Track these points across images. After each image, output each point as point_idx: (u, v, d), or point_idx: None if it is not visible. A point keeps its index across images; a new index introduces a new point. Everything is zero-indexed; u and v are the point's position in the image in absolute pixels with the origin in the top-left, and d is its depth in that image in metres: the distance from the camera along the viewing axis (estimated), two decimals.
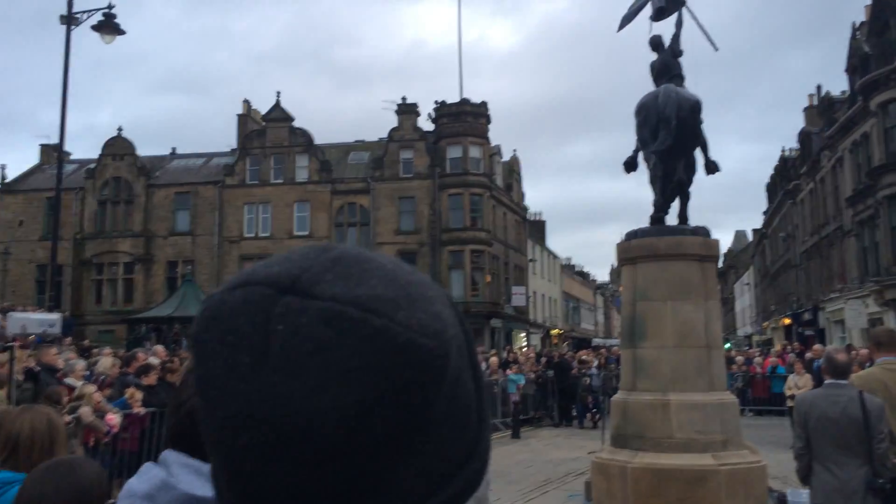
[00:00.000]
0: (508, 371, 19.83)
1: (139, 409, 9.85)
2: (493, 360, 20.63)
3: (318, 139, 44.81)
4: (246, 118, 45.24)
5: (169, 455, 0.85)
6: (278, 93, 46.19)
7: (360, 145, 46.41)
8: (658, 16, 10.60)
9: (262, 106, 45.46)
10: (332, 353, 0.57)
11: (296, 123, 44.28)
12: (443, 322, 0.62)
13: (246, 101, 46.13)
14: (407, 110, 43.08)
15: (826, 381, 5.56)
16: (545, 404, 21.17)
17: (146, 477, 0.88)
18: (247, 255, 40.85)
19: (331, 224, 42.69)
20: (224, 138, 76.74)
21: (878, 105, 27.62)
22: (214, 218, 43.32)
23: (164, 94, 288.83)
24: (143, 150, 46.11)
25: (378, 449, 0.58)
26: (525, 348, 37.17)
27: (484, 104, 42.32)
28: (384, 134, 43.74)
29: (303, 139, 43.85)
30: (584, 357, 23.10)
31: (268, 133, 44.02)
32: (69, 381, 9.86)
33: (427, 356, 0.59)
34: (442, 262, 40.70)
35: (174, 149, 48.60)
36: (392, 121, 43.35)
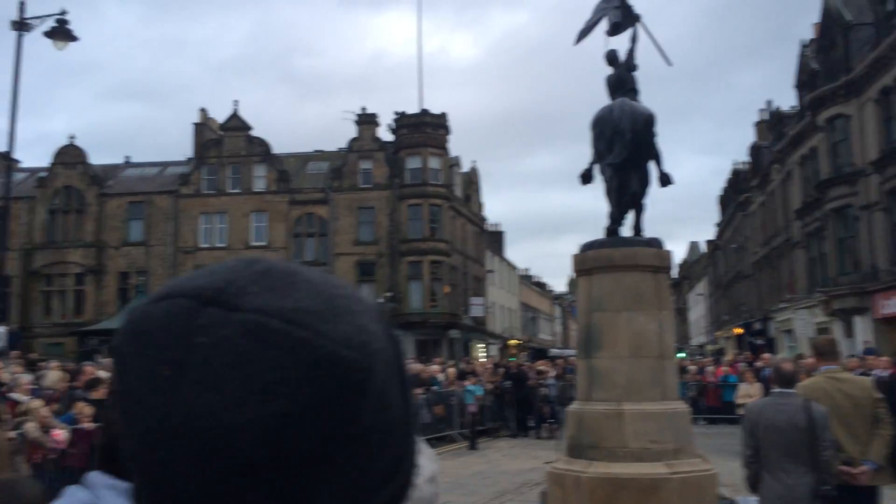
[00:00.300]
0: (466, 382, 19.84)
1: (88, 425, 9.61)
2: (451, 371, 20.62)
3: (277, 149, 44.55)
4: (203, 127, 44.67)
5: (94, 477, 0.83)
6: (236, 101, 45.98)
7: (318, 155, 46.18)
8: (614, 31, 10.79)
9: (220, 115, 45.04)
10: (254, 366, 0.57)
11: (254, 133, 43.91)
12: (368, 335, 0.62)
13: (203, 110, 45.58)
14: (367, 121, 43.03)
15: (773, 391, 5.68)
16: (503, 415, 21.21)
17: (69, 501, 0.86)
18: (202, 265, 39.67)
19: (289, 234, 42.34)
20: (180, 147, 75.88)
21: (826, 120, 28.44)
22: (169, 228, 42.63)
23: (119, 102, 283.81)
24: (96, 159, 45.36)
25: (300, 463, 0.57)
26: (484, 359, 37.27)
27: (444, 115, 42.49)
28: (343, 144, 43.66)
29: (261, 148, 43.47)
30: (541, 367, 23.23)
31: (225, 142, 43.55)
32: (14, 395, 9.58)
33: (350, 369, 0.59)
34: (401, 273, 40.64)
35: (128, 157, 47.79)
36: (351, 131, 43.34)
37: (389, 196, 41.46)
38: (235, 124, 43.65)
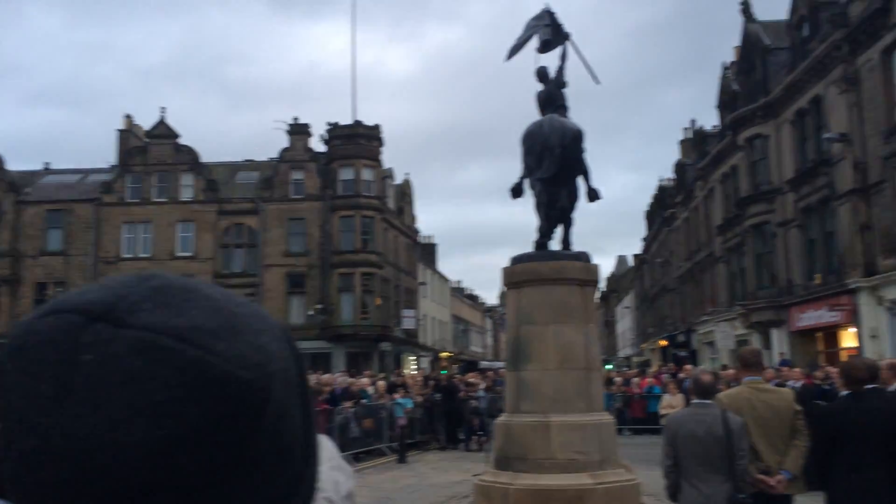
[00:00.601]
0: (396, 395, 19.76)
1: None
2: (381, 384, 20.50)
3: (206, 157, 43.62)
4: (127, 134, 43.35)
5: None
6: (163, 108, 44.76)
7: (249, 165, 45.43)
8: (544, 48, 11.00)
9: (147, 122, 43.82)
10: (142, 385, 0.55)
11: (182, 141, 42.91)
12: (266, 355, 0.60)
13: (128, 116, 44.26)
14: (299, 131, 42.59)
15: (693, 402, 5.83)
16: (432, 428, 21.19)
17: None
18: None
19: (217, 245, 41.46)
20: (103, 155, 73.23)
21: (746, 140, 29.59)
22: (90, 237, 41.17)
23: (40, 107, 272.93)
24: (14, 166, 43.41)
25: (189, 488, 0.55)
26: (415, 371, 37.22)
27: (377, 127, 42.42)
28: (275, 154, 43.07)
29: (188, 157, 42.50)
30: (471, 380, 23.32)
31: (151, 150, 42.40)
32: None
33: (245, 389, 0.57)
34: (332, 285, 40.26)
35: (48, 164, 45.98)
36: (283, 141, 42.81)
37: (321, 207, 41.07)
38: (162, 131, 42.58)
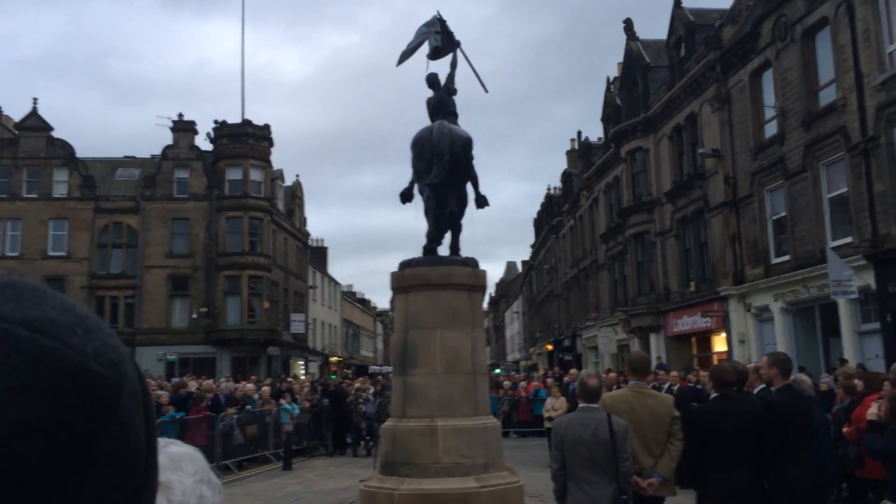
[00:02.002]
0: (282, 401, 19.34)
1: None
2: (265, 389, 20.02)
3: (85, 153, 41.41)
4: None
5: None
6: (35, 99, 41.94)
7: (129, 162, 43.44)
8: (434, 55, 11.07)
9: (19, 114, 41.12)
10: None
11: (58, 135, 40.53)
12: (120, 355, 0.61)
13: None
14: (184, 128, 41.08)
15: (579, 405, 5.98)
16: (320, 434, 20.88)
17: None
18: None
19: (93, 244, 39.39)
20: None
21: (627, 152, 30.86)
22: None
23: None
24: None
25: (30, 483, 0.54)
26: (304, 376, 36.57)
27: (267, 127, 41.50)
28: (158, 152, 41.38)
29: (63, 151, 40.18)
30: (358, 385, 23.15)
31: (21, 143, 39.81)
32: None
33: (98, 384, 0.57)
34: (218, 288, 39.02)
35: None
36: (168, 139, 41.18)
37: (207, 207, 39.76)
38: (34, 124, 40.07)
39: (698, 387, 14.81)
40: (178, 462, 1.15)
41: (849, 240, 18.14)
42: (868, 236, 17.39)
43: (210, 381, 20.06)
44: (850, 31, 18.10)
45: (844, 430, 9.34)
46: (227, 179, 40.05)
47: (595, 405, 5.82)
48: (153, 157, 42.23)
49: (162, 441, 1.18)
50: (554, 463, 5.73)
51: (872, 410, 7.00)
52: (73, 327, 0.58)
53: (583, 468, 5.55)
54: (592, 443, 5.52)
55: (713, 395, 6.39)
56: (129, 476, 0.62)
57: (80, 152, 41.12)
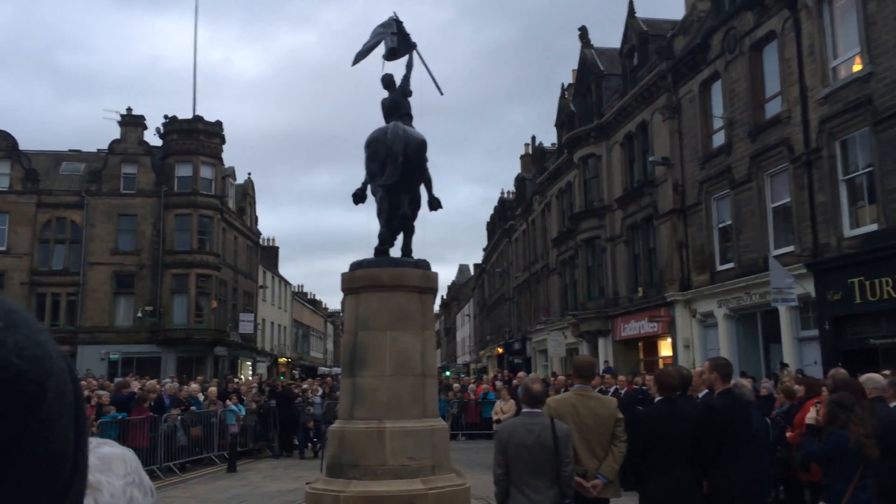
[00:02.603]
0: (229, 402, 19.04)
1: None
2: (212, 390, 19.68)
3: (29, 146, 40.17)
4: None
5: None
6: None
7: (74, 156, 42.31)
8: (390, 56, 11.03)
9: None
10: None
11: (2, 127, 39.31)
12: (45, 351, 0.58)
13: None
14: (132, 122, 40.20)
15: (523, 410, 6.00)
16: (266, 435, 20.61)
17: None
18: None
19: (34, 239, 38.26)
20: None
21: (580, 158, 31.23)
22: None
23: None
24: None
25: None
26: (252, 377, 36.06)
27: (219, 123, 40.86)
28: (105, 146, 40.40)
29: (5, 143, 38.96)
30: (306, 386, 22.92)
31: None
32: None
33: (19, 379, 0.55)
34: (164, 286, 38.25)
35: None
36: (115, 133, 40.21)
37: (154, 204, 38.96)
38: None
39: (644, 389, 15.06)
40: (109, 463, 1.11)
41: (791, 248, 18.66)
42: (809, 245, 17.91)
43: (154, 382, 19.64)
44: (796, 46, 18.63)
45: (788, 434, 9.59)
46: (176, 176, 39.32)
47: (539, 410, 5.84)
48: (100, 151, 41.24)
49: (94, 441, 1.14)
50: (497, 468, 5.72)
51: (811, 415, 7.20)
52: None
53: (526, 473, 5.57)
54: (536, 448, 5.54)
55: (657, 398, 6.49)
56: (53, 478, 0.59)
57: (24, 145, 39.94)
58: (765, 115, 20.26)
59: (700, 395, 7.06)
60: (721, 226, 22.20)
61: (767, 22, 19.86)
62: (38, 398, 0.56)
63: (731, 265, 21.39)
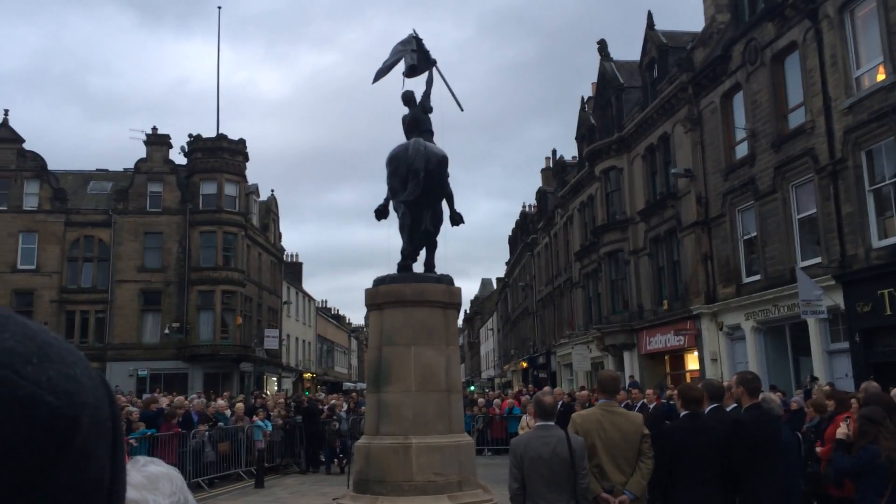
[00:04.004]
0: (255, 418, 19.15)
1: None
2: (239, 406, 19.81)
3: (58, 166, 40.92)
4: None
5: None
6: (6, 111, 41.43)
7: (101, 175, 43.00)
8: (410, 73, 11.14)
9: None
10: None
11: (35, 149, 40.07)
12: (77, 385, 0.60)
13: None
14: (157, 141, 40.80)
15: (537, 424, 6.00)
16: (293, 451, 20.69)
17: None
18: None
19: (63, 258, 38.85)
20: None
21: (602, 171, 31.16)
22: None
23: None
24: None
25: None
26: (277, 392, 36.23)
27: (242, 141, 41.34)
28: (131, 165, 41.03)
29: (34, 163, 39.67)
30: (333, 401, 22.99)
31: None
32: None
33: (51, 415, 0.56)
34: (190, 303, 38.63)
35: None
36: (141, 152, 40.83)
37: (180, 221, 39.43)
38: (4, 135, 39.55)
39: (671, 404, 14.93)
40: (156, 482, 1.16)
41: (818, 260, 18.45)
42: (837, 257, 17.70)
43: (181, 398, 19.81)
44: (818, 56, 18.51)
45: (818, 449, 9.46)
46: (200, 193, 39.79)
47: (551, 423, 5.87)
48: (126, 170, 41.86)
49: (142, 459, 1.19)
50: (514, 482, 5.71)
51: (842, 429, 7.11)
52: (29, 356, 0.58)
53: (542, 486, 5.56)
54: (552, 461, 5.54)
55: (682, 413, 6.45)
56: None
57: (53, 165, 40.68)
58: (788, 125, 20.12)
59: (728, 408, 7.00)
60: (746, 237, 22.01)
61: (788, 32, 19.76)
62: (71, 431, 0.57)
63: (757, 277, 21.18)
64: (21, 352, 0.57)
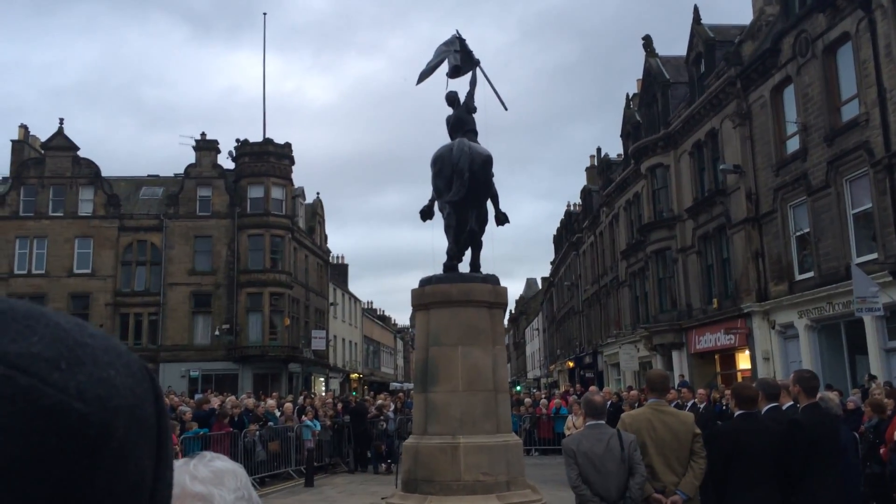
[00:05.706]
0: (304, 417, 19.39)
1: None
2: (288, 406, 20.09)
3: (110, 173, 42.03)
4: (22, 145, 41.28)
5: None
6: (61, 120, 42.75)
7: (153, 180, 44.02)
8: (454, 73, 11.16)
9: (48, 136, 41.77)
10: None
11: (85, 155, 41.20)
12: (109, 389, 0.57)
13: (23, 126, 42.20)
14: (206, 147, 41.59)
15: (587, 423, 5.99)
16: (341, 450, 20.89)
17: None
18: (17, 293, 36.90)
19: (117, 262, 39.88)
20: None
21: (648, 169, 30.76)
22: None
23: None
24: None
25: None
26: (325, 393, 36.63)
27: (288, 145, 41.90)
28: (181, 171, 41.93)
29: (88, 170, 40.81)
30: (380, 401, 23.15)
31: (47, 162, 40.49)
32: None
33: (81, 423, 0.54)
34: (240, 305, 39.30)
35: None
36: (191, 158, 41.69)
37: (229, 225, 40.16)
38: (60, 143, 40.75)
39: (722, 404, 14.68)
40: (221, 477, 1.19)
41: (873, 256, 17.93)
42: (893, 252, 17.18)
43: (233, 398, 20.17)
44: (871, 47, 17.99)
45: (881, 450, 9.20)
46: (248, 197, 40.46)
47: (602, 421, 5.94)
48: (176, 175, 42.76)
49: (208, 455, 1.22)
50: (576, 479, 5.74)
51: None
52: (57, 361, 0.55)
53: (597, 482, 5.63)
54: (605, 456, 5.60)
55: (736, 413, 6.34)
56: None
57: (106, 172, 41.78)
58: (841, 118, 19.60)
59: (784, 406, 6.85)
60: (798, 234, 21.51)
61: (840, 23, 19.25)
62: (103, 438, 0.56)
63: (810, 274, 20.68)
64: (49, 357, 0.55)
